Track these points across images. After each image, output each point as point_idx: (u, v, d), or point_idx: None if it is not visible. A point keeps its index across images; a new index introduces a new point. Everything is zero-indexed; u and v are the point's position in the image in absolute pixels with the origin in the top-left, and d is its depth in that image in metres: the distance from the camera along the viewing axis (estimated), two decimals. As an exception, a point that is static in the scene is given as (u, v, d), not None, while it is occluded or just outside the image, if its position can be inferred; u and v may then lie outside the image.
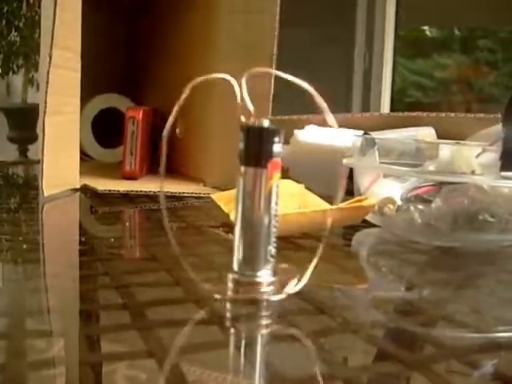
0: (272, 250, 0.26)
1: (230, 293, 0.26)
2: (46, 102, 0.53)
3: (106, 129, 0.88)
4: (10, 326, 0.25)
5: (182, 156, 0.78)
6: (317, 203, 0.42)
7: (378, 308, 0.31)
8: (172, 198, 0.60)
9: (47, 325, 0.26)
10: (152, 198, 0.60)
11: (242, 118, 0.26)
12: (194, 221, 0.53)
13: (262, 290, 0.26)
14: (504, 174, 0.38)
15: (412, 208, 0.41)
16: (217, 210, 0.54)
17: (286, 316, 0.27)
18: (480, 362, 0.24)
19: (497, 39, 2.88)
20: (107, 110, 0.87)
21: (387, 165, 0.43)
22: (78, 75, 0.59)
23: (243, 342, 0.25)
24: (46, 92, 0.53)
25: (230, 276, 0.26)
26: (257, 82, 0.69)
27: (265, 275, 0.26)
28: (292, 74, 0.26)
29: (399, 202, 0.42)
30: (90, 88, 0.66)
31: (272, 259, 0.26)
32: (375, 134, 0.55)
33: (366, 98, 2.61)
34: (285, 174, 0.36)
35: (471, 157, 0.51)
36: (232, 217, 0.46)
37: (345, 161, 0.49)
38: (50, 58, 0.53)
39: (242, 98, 0.25)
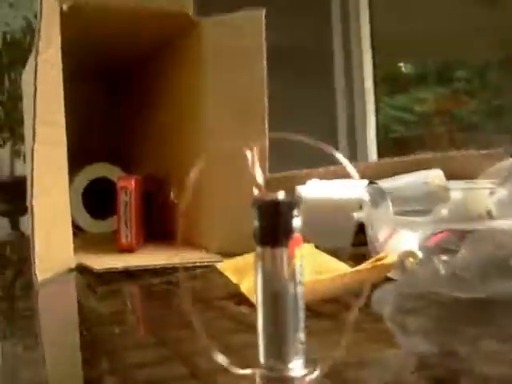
0: (301, 336, 0.23)
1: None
2: (32, 184, 0.51)
3: (96, 199, 0.85)
4: None
5: (178, 222, 0.75)
6: (333, 266, 0.39)
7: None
8: (173, 269, 0.57)
9: None
10: (153, 271, 0.57)
11: (255, 191, 0.23)
12: (200, 293, 0.50)
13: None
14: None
15: (436, 260, 0.38)
16: (222, 279, 0.51)
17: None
18: None
19: (472, 68, 2.93)
20: (97, 180, 0.84)
21: (401, 216, 0.41)
22: (64, 150, 0.57)
23: None
24: (32, 172, 0.51)
25: (258, 372, 0.23)
26: (251, 141, 0.67)
27: (296, 367, 0.23)
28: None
29: (420, 255, 0.39)
30: (77, 159, 0.64)
31: (302, 347, 0.23)
32: (382, 182, 0.52)
33: (352, 138, 2.62)
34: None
35: (485, 197, 0.48)
36: (243, 288, 0.43)
37: (356, 215, 0.46)
38: (34, 134, 0.50)
39: (254, 169, 0.23)
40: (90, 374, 0.31)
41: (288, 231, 0.22)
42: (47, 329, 0.42)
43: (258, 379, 0.23)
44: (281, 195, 0.23)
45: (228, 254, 0.64)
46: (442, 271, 0.38)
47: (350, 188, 0.53)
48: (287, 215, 0.22)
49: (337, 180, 0.55)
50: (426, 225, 0.41)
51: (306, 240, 0.51)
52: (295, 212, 0.22)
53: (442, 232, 0.45)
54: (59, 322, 0.43)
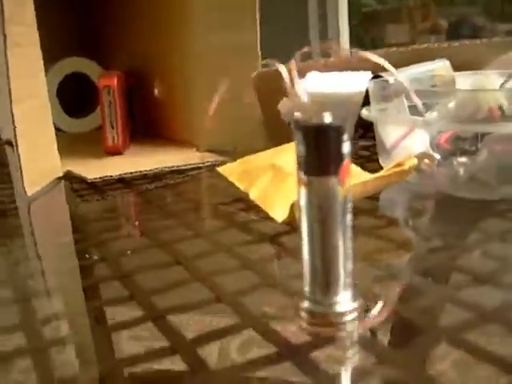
0: (350, 267, 0.22)
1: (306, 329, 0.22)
2: (10, 89, 0.46)
3: (71, 96, 0.80)
4: None
5: (165, 119, 0.71)
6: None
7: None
8: (169, 172, 0.55)
9: None
10: (147, 175, 0.54)
11: (297, 114, 0.20)
12: (202, 199, 0.48)
13: (344, 321, 0.21)
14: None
15: (455, 162, 0.37)
16: (221, 181, 0.49)
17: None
18: None
19: None
20: (71, 75, 0.79)
21: (415, 116, 0.38)
22: (38, 50, 0.52)
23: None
24: (8, 77, 0.46)
25: (304, 305, 0.22)
26: (241, 33, 0.62)
27: (345, 301, 0.21)
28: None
29: (437, 156, 0.38)
30: (49, 53, 0.59)
31: (350, 279, 0.22)
32: (386, 75, 0.49)
33: (322, 11, 2.51)
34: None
35: (495, 89, 0.46)
36: (252, 196, 0.41)
37: (365, 113, 0.44)
38: (5, 36, 0.45)
39: (294, 89, 0.20)
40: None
41: (339, 159, 0.20)
42: (45, 251, 0.40)
43: (304, 314, 0.22)
44: (327, 118, 0.20)
45: (220, 152, 0.61)
46: (461, 174, 0.37)
47: (354, 81, 0.50)
48: (337, 141, 0.20)
49: (337, 72, 0.52)
50: (439, 122, 0.39)
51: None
52: (345, 137, 0.20)
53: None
54: (56, 239, 0.42)
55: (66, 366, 0.24)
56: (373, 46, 2.92)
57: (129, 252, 0.35)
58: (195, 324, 0.27)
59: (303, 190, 0.21)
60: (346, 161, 0.20)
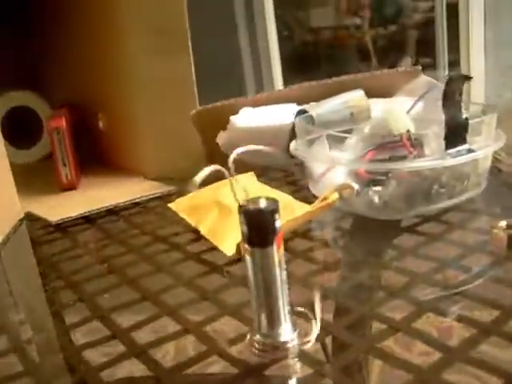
0: (289, 309, 0.29)
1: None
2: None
3: (15, 128, 0.83)
4: None
5: (111, 149, 0.76)
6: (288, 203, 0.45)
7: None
8: (124, 204, 0.60)
9: None
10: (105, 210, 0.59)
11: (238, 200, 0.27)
12: (157, 231, 0.54)
13: (288, 346, 0.28)
14: (449, 151, 0.42)
15: (370, 192, 0.44)
16: (172, 211, 0.54)
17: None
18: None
19: None
20: (13, 109, 0.82)
21: (337, 153, 0.46)
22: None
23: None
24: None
25: (256, 337, 0.29)
26: (177, 66, 0.67)
27: (286, 332, 0.28)
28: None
29: (356, 186, 0.45)
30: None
31: (290, 316, 0.29)
32: (307, 107, 0.56)
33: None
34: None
35: (403, 115, 0.54)
36: (202, 231, 0.47)
37: (294, 150, 0.51)
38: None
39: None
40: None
41: (275, 233, 0.27)
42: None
43: (256, 345, 0.29)
44: (262, 203, 0.27)
45: (166, 180, 0.67)
46: (376, 200, 0.44)
47: (283, 114, 0.57)
48: (273, 220, 0.26)
49: (269, 107, 0.59)
50: (357, 161, 0.46)
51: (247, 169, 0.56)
52: (277, 216, 0.27)
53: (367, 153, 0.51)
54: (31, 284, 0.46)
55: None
56: (299, 29, 2.97)
57: (106, 295, 0.40)
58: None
59: (248, 258, 0.27)
60: (280, 233, 0.27)
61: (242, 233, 0.27)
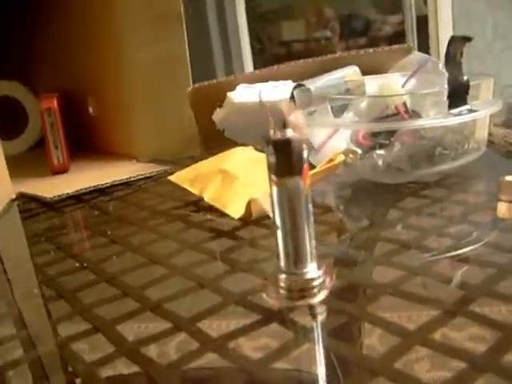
0: (314, 245, 0.28)
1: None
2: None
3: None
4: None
5: (102, 134, 0.75)
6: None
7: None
8: (119, 185, 0.59)
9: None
10: (98, 190, 0.58)
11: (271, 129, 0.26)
12: (158, 206, 0.53)
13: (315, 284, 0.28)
14: (452, 111, 0.42)
15: (374, 155, 0.45)
16: (169, 189, 0.54)
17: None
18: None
19: None
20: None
21: (339, 119, 0.46)
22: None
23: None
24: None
25: (284, 277, 0.28)
26: (171, 47, 0.67)
27: (313, 270, 0.28)
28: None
29: (359, 151, 0.45)
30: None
31: (315, 252, 0.28)
32: (307, 83, 0.57)
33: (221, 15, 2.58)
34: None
35: (398, 89, 0.55)
36: (206, 198, 0.47)
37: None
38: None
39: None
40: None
41: (302, 164, 0.27)
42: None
43: (282, 283, 0.28)
44: (290, 133, 0.27)
45: (159, 162, 0.66)
46: (380, 163, 0.45)
47: (280, 90, 0.57)
48: (300, 150, 0.26)
49: (265, 83, 0.59)
50: (360, 123, 0.47)
51: (243, 143, 0.56)
52: (305, 146, 0.27)
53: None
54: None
55: None
56: (270, 43, 3.02)
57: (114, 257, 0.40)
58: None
59: (275, 189, 0.27)
60: (306, 164, 0.27)
61: (269, 164, 0.27)
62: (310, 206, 0.28)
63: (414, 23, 2.53)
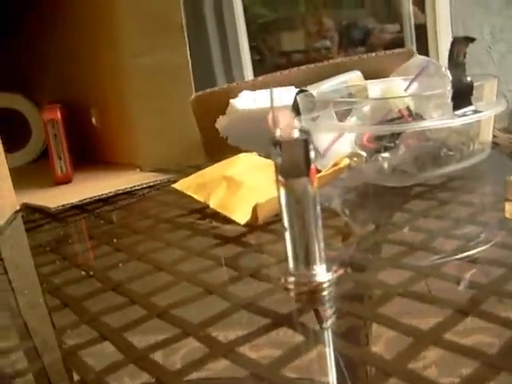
0: (322, 246, 0.28)
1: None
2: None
3: (2, 131, 0.81)
4: None
5: (104, 144, 0.75)
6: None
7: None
8: (122, 194, 0.59)
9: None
10: (103, 200, 0.58)
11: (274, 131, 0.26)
12: (161, 214, 0.53)
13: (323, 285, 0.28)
14: (457, 112, 0.42)
15: (379, 158, 0.44)
16: (173, 197, 0.54)
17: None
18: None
19: None
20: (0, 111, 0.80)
21: (344, 123, 0.46)
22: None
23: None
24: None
25: (292, 278, 0.28)
26: (173, 57, 0.67)
27: (321, 272, 0.28)
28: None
29: (364, 154, 0.45)
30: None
31: (324, 254, 0.28)
32: (308, 88, 0.57)
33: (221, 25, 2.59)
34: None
35: (401, 93, 0.55)
36: (212, 204, 0.47)
37: (298, 123, 0.51)
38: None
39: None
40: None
41: (309, 164, 0.26)
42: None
43: (292, 286, 0.28)
44: (296, 133, 0.26)
45: (162, 171, 0.66)
46: (385, 166, 0.44)
47: (282, 96, 0.57)
48: (307, 151, 0.26)
49: (267, 89, 0.59)
50: (362, 125, 0.46)
51: (246, 150, 0.56)
52: (311, 146, 0.26)
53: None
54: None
55: None
56: (271, 54, 3.04)
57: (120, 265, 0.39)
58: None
59: (283, 190, 0.27)
60: (313, 165, 0.27)
61: (276, 166, 0.27)
62: (318, 207, 0.28)
63: (412, 32, 2.54)
